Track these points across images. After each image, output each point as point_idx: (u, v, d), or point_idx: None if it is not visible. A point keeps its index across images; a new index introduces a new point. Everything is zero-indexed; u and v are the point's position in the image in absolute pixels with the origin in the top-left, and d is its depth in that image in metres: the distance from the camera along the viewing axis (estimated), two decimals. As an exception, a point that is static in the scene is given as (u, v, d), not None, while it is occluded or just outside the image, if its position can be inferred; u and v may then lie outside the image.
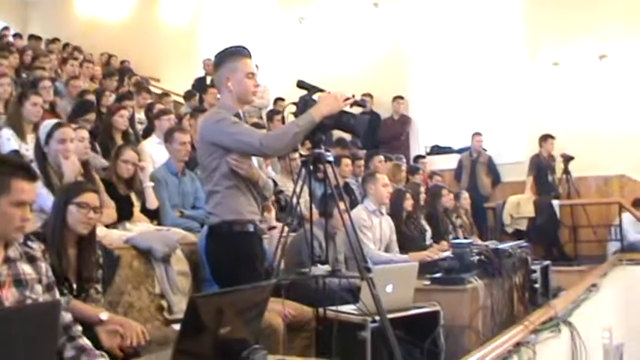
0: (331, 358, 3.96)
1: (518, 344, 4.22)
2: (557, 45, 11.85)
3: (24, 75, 10.15)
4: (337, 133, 9.06)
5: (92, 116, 7.23)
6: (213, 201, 4.07)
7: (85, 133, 5.75)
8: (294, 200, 4.06)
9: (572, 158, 11.26)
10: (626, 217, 10.78)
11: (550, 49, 11.88)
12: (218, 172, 4.01)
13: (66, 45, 14.17)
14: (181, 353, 2.46)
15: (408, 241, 7.22)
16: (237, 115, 4.09)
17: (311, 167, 4.08)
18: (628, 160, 11.58)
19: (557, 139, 11.33)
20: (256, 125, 6.68)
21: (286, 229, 4.13)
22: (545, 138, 11.27)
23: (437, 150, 12.94)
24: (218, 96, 5.21)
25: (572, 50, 11.78)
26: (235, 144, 3.93)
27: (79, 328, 3.17)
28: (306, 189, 4.16)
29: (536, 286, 6.28)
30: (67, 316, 3.12)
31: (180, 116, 8.87)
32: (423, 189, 8.59)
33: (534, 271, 6.35)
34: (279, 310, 4.32)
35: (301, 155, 4.33)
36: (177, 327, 2.88)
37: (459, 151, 12.44)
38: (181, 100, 12.06)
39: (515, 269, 6.08)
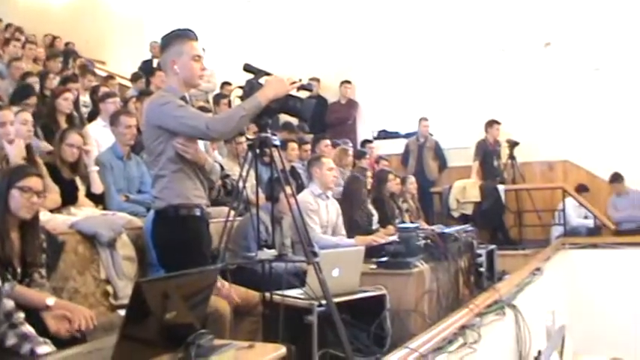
0: (278, 342, 3.96)
1: (463, 327, 4.25)
2: (503, 31, 11.95)
3: (-37, 56, 9.96)
4: (284, 117, 9.04)
5: (33, 100, 7.11)
6: (160, 185, 4.03)
7: (28, 116, 5.67)
8: (241, 184, 4.04)
9: (517, 144, 11.39)
10: (569, 202, 10.95)
11: (496, 35, 11.98)
12: (164, 155, 3.96)
13: (8, 26, 13.82)
14: (127, 338, 2.43)
15: (354, 226, 7.24)
16: (183, 98, 4.05)
17: (257, 151, 4.07)
18: (572, 146, 11.76)
19: (502, 125, 11.45)
20: (203, 109, 6.64)
21: (232, 213, 4.12)
22: (491, 123, 11.37)
23: (384, 135, 12.98)
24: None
25: (518, 37, 11.90)
26: (181, 127, 3.89)
27: (22, 315, 3.12)
28: (252, 173, 4.15)
29: (482, 269, 6.35)
30: (8, 304, 3.07)
31: (126, 99, 8.74)
32: (369, 174, 8.62)
33: (480, 255, 6.42)
34: (225, 295, 4.31)
35: (248, 139, 4.31)
36: (123, 312, 2.85)
37: (406, 136, 12.49)
38: (127, 83, 11.90)
39: (460, 253, 6.13)
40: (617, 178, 11.20)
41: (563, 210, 10.87)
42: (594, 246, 10.23)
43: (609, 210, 11.09)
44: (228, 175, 6.98)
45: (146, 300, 2.45)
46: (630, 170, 11.37)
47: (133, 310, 2.46)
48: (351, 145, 10.11)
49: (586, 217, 11.07)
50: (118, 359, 2.37)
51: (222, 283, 4.33)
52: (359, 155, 9.97)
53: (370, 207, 8.00)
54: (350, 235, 6.88)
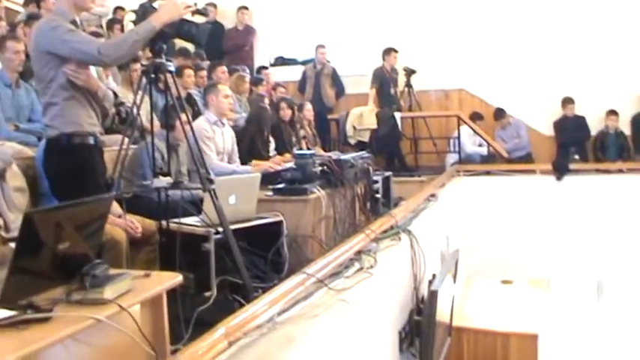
0: (175, 271, 3.94)
1: (360, 252, 4.31)
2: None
3: None
4: (180, 43, 8.87)
5: None
6: (51, 113, 3.91)
7: None
8: (135, 111, 3.96)
9: (414, 72, 11.50)
10: (464, 130, 11.17)
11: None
12: (55, 82, 3.84)
13: None
14: (18, 272, 2.36)
15: (251, 152, 7.23)
16: (73, 22, 3.90)
17: (152, 77, 3.98)
18: (467, 75, 11.95)
19: (400, 53, 11.52)
20: (95, 34, 6.42)
21: (127, 141, 4.04)
22: (389, 51, 11.42)
23: (281, 61, 12.89)
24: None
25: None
26: (72, 52, 3.77)
27: None
28: (147, 100, 4.07)
29: (378, 196, 6.44)
30: None
31: (14, 24, 8.40)
32: (266, 100, 8.57)
33: (376, 182, 6.50)
34: (120, 224, 4.25)
35: (142, 65, 4.22)
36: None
37: (303, 63, 12.44)
38: (15, 7, 11.42)
39: (357, 180, 6.18)
40: (500, 113, 11.53)
41: (458, 138, 11.10)
42: (488, 173, 10.51)
43: (497, 142, 11.39)
44: (122, 103, 6.81)
45: (37, 231, 2.38)
46: (518, 99, 11.69)
47: (24, 242, 2.39)
48: (247, 71, 10.02)
49: (480, 145, 11.34)
50: (10, 293, 2.30)
51: (119, 214, 4.27)
52: (256, 82, 9.90)
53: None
54: (246, 162, 6.86)
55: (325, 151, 9.01)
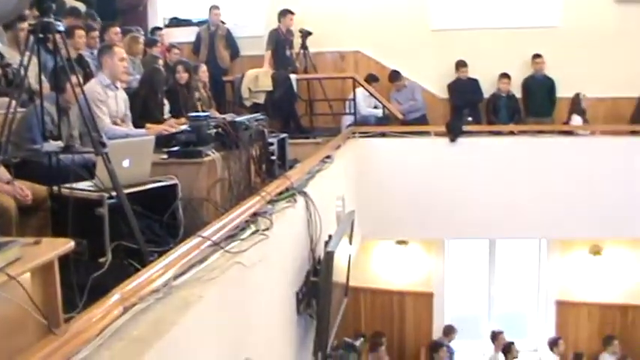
0: (68, 237, 3.86)
1: (255, 214, 4.30)
2: None
3: None
4: (70, 2, 8.63)
5: None
6: None
7: None
8: (22, 73, 3.84)
9: (310, 33, 11.48)
10: (360, 91, 11.23)
11: None
12: None
13: None
14: None
15: (146, 115, 7.12)
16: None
17: (40, 37, 3.86)
18: (363, 37, 12.02)
19: (295, 15, 11.48)
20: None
21: (14, 103, 3.91)
22: (285, 13, 11.37)
23: (175, 22, 12.67)
24: None
25: None
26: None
27: None
28: (35, 61, 3.94)
29: (273, 158, 6.43)
30: None
31: None
32: (161, 62, 8.43)
33: (271, 144, 6.48)
34: (8, 190, 4.13)
35: (30, 25, 4.08)
36: None
37: (198, 24, 12.25)
38: None
39: (252, 142, 6.16)
40: (395, 76, 11.67)
41: (354, 99, 11.16)
42: (383, 135, 10.60)
43: (392, 104, 11.51)
44: (9, 64, 6.59)
45: None
46: (413, 62, 11.85)
47: None
48: (141, 32, 9.82)
49: (375, 107, 11.43)
50: None
51: (7, 179, 4.15)
52: (150, 43, 9.72)
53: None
54: (140, 125, 6.76)
55: (220, 113, 8.93)
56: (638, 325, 12.30)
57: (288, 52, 11.37)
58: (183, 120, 7.17)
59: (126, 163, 4.56)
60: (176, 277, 3.05)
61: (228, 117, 6.75)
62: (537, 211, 10.48)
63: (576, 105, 11.51)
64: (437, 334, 12.39)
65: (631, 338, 12.22)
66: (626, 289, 12.22)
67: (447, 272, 12.63)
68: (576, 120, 11.40)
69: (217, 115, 8.16)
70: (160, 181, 4.93)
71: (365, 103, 11.36)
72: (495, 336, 12.02)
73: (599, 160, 10.40)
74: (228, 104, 11.03)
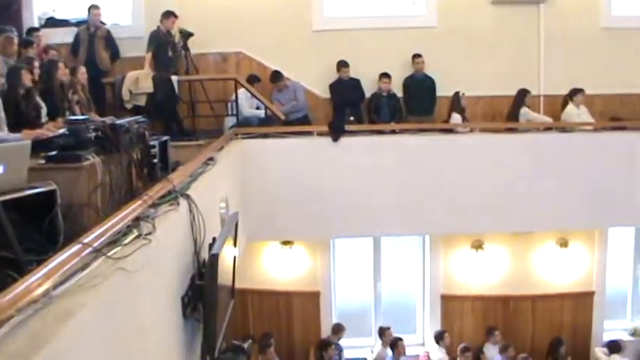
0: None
1: (137, 219, 4.23)
2: None
3: None
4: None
5: None
6: None
7: None
8: None
9: (191, 34, 11.39)
10: (242, 92, 11.22)
11: None
12: None
13: None
14: None
15: (22, 119, 6.90)
16: None
17: None
18: (245, 38, 12.01)
19: (179, 18, 11.39)
20: None
21: None
22: (167, 15, 11.24)
23: (52, 22, 12.31)
24: None
25: None
26: None
27: None
28: None
29: (155, 161, 6.33)
30: None
31: None
32: (37, 64, 8.19)
33: (153, 147, 6.38)
34: None
35: None
36: None
37: (77, 24, 11.95)
38: None
39: (133, 145, 6.05)
40: (276, 76, 11.74)
41: (236, 101, 11.12)
42: (265, 136, 10.62)
43: (275, 104, 11.55)
44: None
45: None
46: (294, 62, 11.93)
47: None
48: (15, 33, 9.50)
49: (258, 108, 11.43)
50: None
51: None
52: (25, 44, 9.42)
53: (38, 99, 7.64)
54: (16, 129, 6.55)
55: (100, 116, 8.75)
56: (519, 315, 12.76)
57: (169, 54, 11.23)
58: (60, 123, 6.99)
59: (0, 170, 4.41)
60: (56, 286, 2.96)
61: (108, 120, 6.59)
62: (420, 208, 10.72)
63: (456, 103, 11.82)
64: (326, 332, 12.49)
65: (513, 327, 12.69)
66: (506, 281, 12.65)
67: (333, 271, 12.75)
68: (456, 118, 11.70)
69: (97, 118, 8.00)
70: (37, 187, 4.78)
71: (247, 104, 11.35)
72: (383, 332, 12.23)
73: (479, 157, 10.72)
74: (108, 107, 10.81)
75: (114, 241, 3.68)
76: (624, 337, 12.93)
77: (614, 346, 12.20)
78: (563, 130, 11.57)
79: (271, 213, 10.45)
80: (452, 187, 10.71)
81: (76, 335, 2.80)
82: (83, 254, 3.20)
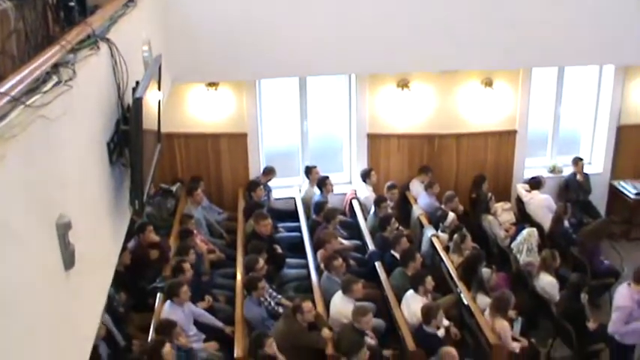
0: None
1: (56, 65, 4.10)
2: None
3: None
4: None
5: None
6: None
7: None
8: None
9: None
10: None
11: None
12: None
13: None
14: None
15: None
16: None
17: None
18: None
19: None
20: None
21: None
22: None
23: None
24: None
25: None
26: None
27: None
28: None
29: (72, 4, 6.10)
30: None
31: None
32: None
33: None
34: None
35: None
36: None
37: None
38: None
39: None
40: None
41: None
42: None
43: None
44: None
45: None
46: None
47: None
48: None
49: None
50: None
51: None
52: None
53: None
54: None
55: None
56: (444, 153, 13.01)
57: None
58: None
59: None
60: (-26, 138, 2.89)
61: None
62: (345, 47, 10.66)
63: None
64: (254, 173, 12.59)
65: (438, 165, 12.97)
66: (431, 120, 12.80)
67: (260, 112, 12.71)
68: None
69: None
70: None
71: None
72: (309, 170, 12.39)
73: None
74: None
75: (32, 89, 3.57)
76: (544, 174, 13.37)
77: (534, 183, 12.66)
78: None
79: (196, 54, 10.28)
80: (377, 26, 10.63)
81: (-2, 187, 2.77)
82: (1, 104, 3.10)
